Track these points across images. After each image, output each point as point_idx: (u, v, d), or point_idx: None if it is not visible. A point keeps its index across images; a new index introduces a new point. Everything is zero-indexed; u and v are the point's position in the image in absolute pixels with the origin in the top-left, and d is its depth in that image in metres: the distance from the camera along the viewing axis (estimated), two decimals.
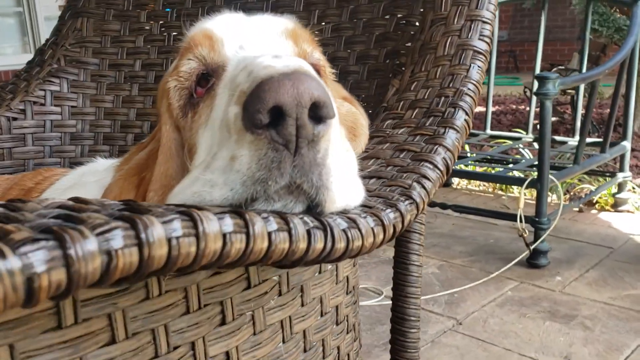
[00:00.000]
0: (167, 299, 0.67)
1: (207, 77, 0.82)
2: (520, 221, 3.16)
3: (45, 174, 1.34)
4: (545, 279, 3.15)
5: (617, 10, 5.43)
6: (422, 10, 1.23)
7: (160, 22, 1.78)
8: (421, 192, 0.85)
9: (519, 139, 4.83)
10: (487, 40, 1.14)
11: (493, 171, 4.18)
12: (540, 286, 3.06)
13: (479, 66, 1.11)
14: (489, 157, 4.40)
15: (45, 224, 0.42)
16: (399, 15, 1.29)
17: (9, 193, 1.29)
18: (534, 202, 3.34)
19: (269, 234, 0.55)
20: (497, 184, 4.53)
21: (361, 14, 1.36)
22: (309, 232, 0.60)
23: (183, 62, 0.83)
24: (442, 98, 1.05)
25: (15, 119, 1.77)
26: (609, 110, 4.06)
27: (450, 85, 1.07)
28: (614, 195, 4.20)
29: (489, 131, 4.89)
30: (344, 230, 0.64)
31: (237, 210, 0.55)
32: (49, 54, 1.90)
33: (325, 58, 0.93)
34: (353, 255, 0.66)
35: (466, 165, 4.45)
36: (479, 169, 4.37)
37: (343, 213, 0.69)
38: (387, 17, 1.31)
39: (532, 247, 3.21)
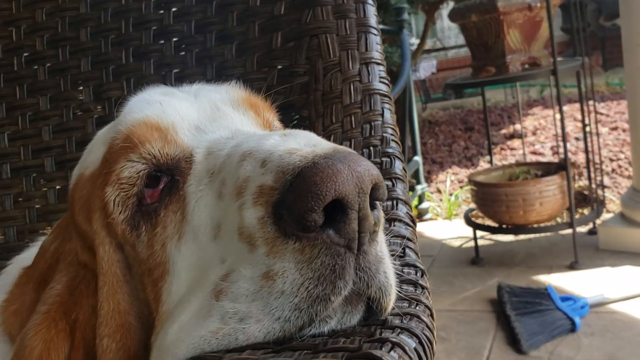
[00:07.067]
0: None
1: (159, 176, 0.62)
2: None
3: None
4: None
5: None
6: (307, 58, 1.14)
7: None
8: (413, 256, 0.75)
9: None
10: (386, 81, 1.09)
11: None
12: None
13: (389, 109, 1.05)
14: None
15: None
16: (279, 67, 1.18)
17: None
18: None
19: None
20: None
21: (231, 70, 1.22)
22: None
23: (123, 166, 0.62)
24: (371, 148, 0.97)
25: None
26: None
27: (373, 133, 1.00)
28: (417, 207, 4.51)
29: None
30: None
31: None
32: None
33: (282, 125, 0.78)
34: None
35: None
36: None
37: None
38: (265, 69, 1.19)
39: None
